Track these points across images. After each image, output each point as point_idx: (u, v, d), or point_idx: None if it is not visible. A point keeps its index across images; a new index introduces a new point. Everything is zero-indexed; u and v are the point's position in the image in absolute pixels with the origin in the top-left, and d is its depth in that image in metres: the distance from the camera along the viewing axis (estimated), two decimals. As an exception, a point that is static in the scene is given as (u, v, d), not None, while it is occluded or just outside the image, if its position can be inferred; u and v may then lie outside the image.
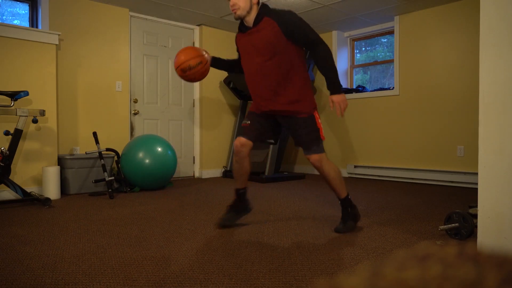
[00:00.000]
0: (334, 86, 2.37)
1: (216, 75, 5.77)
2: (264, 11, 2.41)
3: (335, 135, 5.93)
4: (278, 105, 2.46)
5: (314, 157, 2.47)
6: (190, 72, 2.46)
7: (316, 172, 6.12)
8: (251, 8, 2.41)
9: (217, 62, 2.68)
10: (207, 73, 2.56)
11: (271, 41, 2.35)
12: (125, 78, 4.89)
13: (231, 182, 5.12)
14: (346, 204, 2.56)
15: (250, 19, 2.43)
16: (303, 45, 2.41)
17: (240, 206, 2.69)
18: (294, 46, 2.39)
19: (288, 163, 6.56)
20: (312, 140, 2.46)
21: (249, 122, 2.55)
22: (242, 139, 2.50)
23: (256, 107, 2.57)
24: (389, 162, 5.31)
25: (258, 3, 2.43)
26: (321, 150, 2.48)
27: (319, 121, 2.49)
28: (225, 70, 2.79)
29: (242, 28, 2.51)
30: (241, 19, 2.47)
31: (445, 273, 0.27)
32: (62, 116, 4.37)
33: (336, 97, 2.36)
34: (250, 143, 2.51)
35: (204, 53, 2.54)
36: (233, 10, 2.42)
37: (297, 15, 2.41)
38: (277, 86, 2.42)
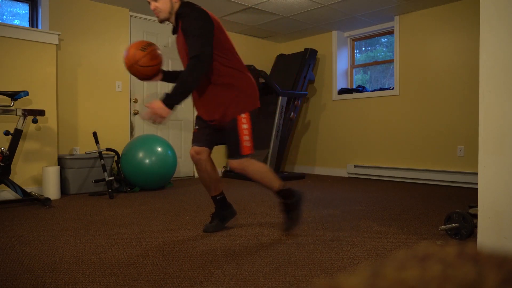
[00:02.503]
0: (169, 98, 2.11)
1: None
2: (179, 11, 2.27)
3: (335, 135, 5.93)
4: (204, 113, 2.36)
5: (233, 163, 2.33)
6: (146, 52, 2.28)
7: (317, 172, 6.12)
8: (172, 8, 2.27)
9: (167, 74, 2.52)
10: (157, 63, 2.35)
11: (184, 45, 2.24)
12: (125, 78, 4.89)
13: (231, 182, 5.12)
14: (283, 195, 2.41)
15: (173, 20, 2.32)
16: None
17: (222, 213, 2.58)
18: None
19: (288, 163, 6.56)
20: (233, 144, 2.31)
21: (197, 127, 2.45)
22: (195, 148, 2.40)
23: (201, 113, 2.44)
24: (389, 162, 5.31)
25: (180, 1, 2.30)
26: (240, 155, 2.30)
27: (244, 126, 2.30)
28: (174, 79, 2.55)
29: (173, 29, 2.38)
30: (169, 21, 2.34)
31: (445, 273, 0.27)
32: (62, 116, 4.37)
33: (157, 104, 2.08)
34: (205, 149, 2.40)
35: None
36: (155, 14, 2.30)
37: (196, 15, 2.19)
38: (200, 93, 2.33)
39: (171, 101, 2.10)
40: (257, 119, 4.69)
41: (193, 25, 2.16)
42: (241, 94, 2.32)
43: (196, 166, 2.45)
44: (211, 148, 2.43)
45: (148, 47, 2.32)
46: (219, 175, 2.55)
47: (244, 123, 2.30)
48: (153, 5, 2.28)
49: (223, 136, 2.37)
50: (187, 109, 5.61)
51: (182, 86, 2.13)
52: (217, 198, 2.55)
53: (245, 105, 2.32)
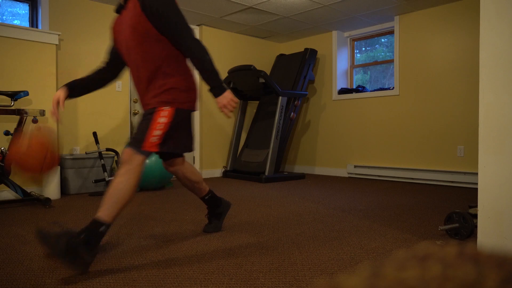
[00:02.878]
0: (214, 87, 1.99)
1: (216, 75, 5.77)
2: None
3: (335, 135, 5.93)
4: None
5: (127, 150, 1.93)
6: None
7: (317, 172, 6.12)
8: None
9: (75, 89, 2.15)
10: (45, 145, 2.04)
11: (134, 25, 1.92)
12: (125, 78, 4.89)
13: (231, 182, 5.12)
14: (95, 235, 1.75)
15: None
16: (169, 38, 1.95)
17: (216, 211, 2.51)
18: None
19: (288, 163, 6.56)
20: (137, 132, 1.98)
21: None
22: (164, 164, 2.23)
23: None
24: (389, 162, 5.31)
25: None
26: (137, 147, 1.91)
27: (161, 119, 1.94)
28: (88, 88, 2.20)
29: (118, 8, 2.09)
30: None
31: (445, 273, 0.27)
32: (62, 116, 4.37)
33: (220, 98, 1.99)
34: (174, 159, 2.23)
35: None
36: None
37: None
38: (148, 85, 2.02)
39: (220, 87, 1.99)
40: (257, 119, 4.71)
41: (170, 5, 1.92)
42: (177, 88, 2.00)
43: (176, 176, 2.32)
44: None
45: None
46: (200, 176, 2.37)
47: (163, 117, 1.94)
48: None
49: None
50: (187, 109, 5.61)
51: (213, 71, 1.97)
52: (206, 198, 2.44)
53: (175, 100, 1.98)
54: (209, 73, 1.97)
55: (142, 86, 2.04)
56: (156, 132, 1.93)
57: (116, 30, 2.08)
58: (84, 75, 4.57)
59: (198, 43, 1.96)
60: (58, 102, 2.07)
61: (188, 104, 2.04)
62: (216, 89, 1.99)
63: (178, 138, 2.04)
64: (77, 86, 2.14)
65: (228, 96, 2.00)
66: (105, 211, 1.79)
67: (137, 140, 1.92)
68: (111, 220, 1.80)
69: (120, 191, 1.81)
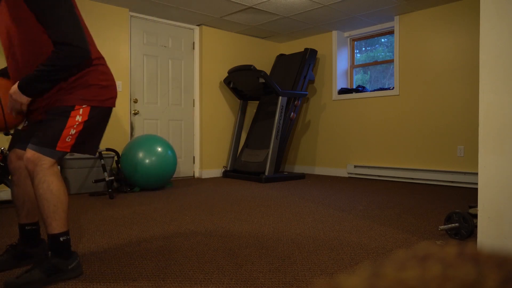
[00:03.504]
0: (25, 82, 1.63)
1: (216, 75, 5.78)
2: None
3: (335, 135, 5.93)
4: (39, 109, 1.76)
5: (29, 153, 1.67)
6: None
7: (317, 172, 6.12)
8: None
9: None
10: None
11: (9, 2, 1.63)
12: (125, 78, 4.89)
13: (231, 182, 5.12)
14: (55, 246, 1.68)
15: None
16: (46, 29, 1.62)
17: (23, 249, 1.92)
18: None
19: (288, 163, 6.56)
20: (45, 130, 1.69)
21: (26, 124, 1.92)
22: (17, 151, 1.90)
23: None
24: (389, 162, 5.31)
25: None
26: (46, 146, 1.67)
27: (78, 118, 1.71)
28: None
29: None
30: None
31: (445, 273, 0.27)
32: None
33: (14, 89, 1.65)
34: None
35: None
36: None
37: None
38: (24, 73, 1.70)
39: (27, 86, 1.64)
40: (257, 119, 4.75)
41: None
42: (92, 83, 1.76)
43: (13, 177, 1.88)
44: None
45: None
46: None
47: (79, 115, 1.72)
48: None
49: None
50: (187, 110, 5.61)
51: (43, 74, 1.63)
52: (26, 228, 1.90)
53: (92, 97, 1.75)
54: (40, 72, 1.62)
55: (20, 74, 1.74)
56: (71, 131, 1.73)
57: None
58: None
59: (68, 55, 1.63)
60: None
61: (104, 100, 1.82)
62: (23, 84, 1.64)
63: (90, 138, 1.85)
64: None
65: (17, 95, 1.66)
66: (53, 221, 1.67)
67: (44, 141, 1.70)
68: (64, 229, 1.70)
69: (59, 195, 1.69)
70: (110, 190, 3.87)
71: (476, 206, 2.29)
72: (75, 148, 1.75)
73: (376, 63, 5.80)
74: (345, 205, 3.48)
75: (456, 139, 4.71)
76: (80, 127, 1.73)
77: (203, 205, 3.49)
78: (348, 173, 5.71)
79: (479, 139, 1.89)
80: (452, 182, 4.67)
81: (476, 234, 2.03)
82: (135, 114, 5.11)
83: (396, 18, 5.22)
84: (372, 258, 2.03)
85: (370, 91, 5.60)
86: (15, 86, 1.65)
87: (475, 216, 2.27)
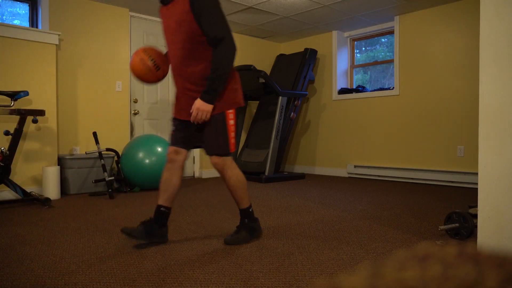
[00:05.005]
0: (209, 93, 2.06)
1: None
2: None
3: (335, 135, 5.93)
4: (184, 108, 2.21)
5: (215, 159, 2.20)
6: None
7: (317, 172, 6.12)
8: None
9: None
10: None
11: (180, 20, 2.05)
12: (125, 78, 4.89)
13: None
14: (245, 215, 2.33)
15: None
16: (207, 38, 2.05)
17: (153, 228, 2.29)
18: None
19: (288, 163, 6.56)
20: (216, 139, 2.17)
21: (174, 129, 2.31)
22: (174, 147, 2.28)
23: (177, 112, 2.28)
24: (389, 162, 5.31)
25: None
26: (224, 152, 2.19)
27: (231, 122, 2.18)
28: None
29: None
30: None
31: (445, 273, 0.27)
32: (62, 116, 4.37)
33: (200, 103, 2.07)
34: (183, 150, 2.28)
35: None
36: None
37: (215, 1, 2.06)
38: (192, 85, 2.14)
39: (210, 97, 2.06)
40: (257, 119, 4.77)
41: (215, 6, 2.04)
42: (231, 89, 2.18)
43: (167, 165, 2.29)
44: (188, 150, 2.30)
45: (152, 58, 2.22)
46: (179, 187, 2.34)
47: (231, 119, 2.18)
48: None
49: (202, 134, 2.21)
50: (187, 109, 5.61)
51: (219, 79, 2.05)
52: (161, 209, 2.27)
53: (233, 101, 2.19)
54: (215, 78, 2.05)
55: (184, 83, 2.17)
56: (232, 134, 2.21)
57: (165, 19, 2.17)
58: (83, 74, 4.57)
59: (229, 50, 2.05)
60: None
61: (239, 102, 2.23)
62: (208, 95, 2.07)
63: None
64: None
65: (205, 107, 2.08)
66: (243, 200, 2.29)
67: (221, 149, 2.20)
68: (249, 202, 2.33)
69: (242, 181, 2.27)
70: (110, 190, 3.87)
71: (476, 206, 2.29)
72: (234, 145, 2.24)
73: (376, 63, 5.80)
74: (345, 205, 3.48)
75: (456, 139, 4.71)
76: (234, 128, 2.22)
77: (203, 205, 3.49)
78: (348, 173, 5.71)
79: (479, 139, 1.89)
80: (452, 182, 4.67)
81: (476, 234, 2.03)
82: (135, 114, 5.11)
83: (396, 18, 5.22)
84: (372, 258, 2.03)
85: (370, 91, 5.60)
86: (198, 101, 2.07)
87: (475, 216, 2.26)
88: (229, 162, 2.22)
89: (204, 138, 2.21)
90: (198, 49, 2.07)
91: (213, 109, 2.11)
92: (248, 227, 2.32)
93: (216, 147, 2.18)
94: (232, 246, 2.22)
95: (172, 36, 2.13)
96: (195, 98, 2.13)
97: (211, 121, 2.14)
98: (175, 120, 2.28)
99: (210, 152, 2.21)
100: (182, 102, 2.21)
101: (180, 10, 2.04)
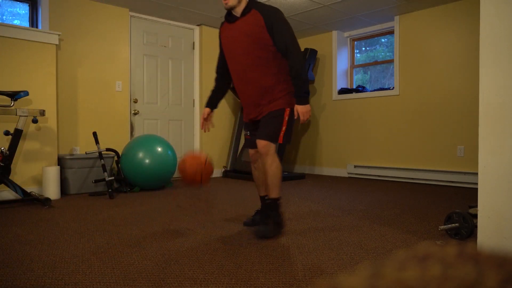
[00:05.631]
0: (301, 97, 2.38)
1: (216, 75, 5.77)
2: (252, 2, 2.44)
3: (335, 135, 5.93)
4: (253, 109, 2.54)
5: (263, 142, 2.43)
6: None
7: (317, 172, 6.12)
8: None
9: (213, 101, 2.79)
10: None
11: (255, 34, 2.37)
12: (125, 78, 4.89)
13: (231, 182, 5.12)
14: (273, 206, 2.48)
15: (239, 10, 2.45)
16: (279, 48, 2.40)
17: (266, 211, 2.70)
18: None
19: (288, 163, 6.56)
20: (270, 127, 2.44)
21: (248, 133, 2.68)
22: (252, 149, 2.64)
23: (248, 118, 2.63)
24: (389, 162, 5.31)
25: None
26: (272, 139, 2.43)
27: (286, 118, 2.45)
28: (223, 93, 2.85)
29: (229, 17, 2.50)
30: (231, 9, 2.47)
31: (445, 273, 0.27)
32: (62, 116, 4.37)
33: (301, 108, 2.38)
34: None
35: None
36: (224, 1, 2.44)
37: (283, 15, 2.42)
38: (264, 89, 2.45)
39: (305, 98, 2.38)
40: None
41: (286, 21, 2.37)
42: (290, 92, 2.49)
43: (253, 165, 2.68)
44: None
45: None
46: None
47: (287, 116, 2.46)
48: None
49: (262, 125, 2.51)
50: (187, 110, 5.61)
51: (303, 81, 2.36)
52: (265, 198, 2.62)
53: (291, 102, 2.47)
54: (300, 83, 2.37)
55: (251, 88, 2.49)
56: (284, 128, 2.45)
57: (233, 33, 2.47)
58: (83, 74, 4.57)
59: (300, 57, 2.39)
60: (205, 119, 2.76)
61: (293, 105, 2.49)
62: (302, 99, 2.39)
63: (290, 132, 2.53)
64: (212, 102, 2.79)
65: (305, 108, 2.40)
66: (275, 190, 2.45)
67: (270, 136, 2.43)
68: (278, 195, 2.47)
69: (279, 171, 2.45)
70: (110, 190, 3.87)
71: (476, 206, 2.29)
72: (283, 139, 2.47)
73: (376, 63, 5.80)
74: (345, 205, 3.48)
75: (456, 139, 4.71)
76: (286, 125, 2.46)
77: (203, 205, 3.49)
78: (348, 173, 5.71)
79: (479, 139, 1.89)
80: (452, 182, 4.67)
81: (476, 234, 2.03)
82: (135, 114, 5.11)
83: (396, 18, 5.22)
84: (372, 258, 2.03)
85: (370, 91, 5.60)
86: (298, 107, 2.38)
87: (475, 216, 2.26)
88: (273, 150, 2.46)
89: (261, 126, 2.49)
90: (267, 57, 2.40)
91: (277, 105, 2.44)
92: (274, 220, 2.48)
93: (267, 132, 2.43)
94: (232, 246, 2.22)
95: (240, 47, 2.44)
96: (259, 104, 2.48)
97: (274, 113, 2.45)
98: (250, 125, 2.65)
99: (260, 136, 2.44)
100: (251, 107, 2.55)
101: (253, 25, 2.38)
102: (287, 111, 2.45)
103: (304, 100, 2.39)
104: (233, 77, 2.60)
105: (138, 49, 5.13)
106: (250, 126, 2.65)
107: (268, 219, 2.47)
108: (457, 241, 2.34)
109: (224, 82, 2.79)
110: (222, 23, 2.61)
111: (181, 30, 5.53)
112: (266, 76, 2.43)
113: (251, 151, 2.66)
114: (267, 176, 2.45)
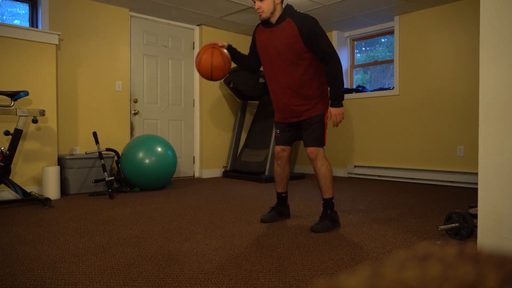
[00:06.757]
0: (337, 100, 2.52)
1: (216, 75, 5.76)
2: (288, 11, 2.54)
3: (335, 135, 5.93)
4: (288, 113, 2.68)
5: (311, 149, 2.61)
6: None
7: (316, 172, 6.11)
8: (275, 9, 2.54)
9: (236, 50, 2.83)
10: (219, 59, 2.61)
11: (290, 43, 2.48)
12: (125, 78, 4.89)
13: (231, 182, 5.12)
14: (328, 205, 2.65)
15: (274, 19, 2.57)
16: (317, 55, 2.51)
17: (281, 208, 2.90)
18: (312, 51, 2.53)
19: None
20: (314, 133, 2.60)
21: (278, 131, 2.79)
22: (281, 146, 2.77)
23: (280, 118, 2.76)
24: (389, 162, 5.31)
25: (281, 2, 2.56)
26: (319, 144, 2.61)
27: (327, 121, 2.64)
28: (236, 61, 2.86)
29: (265, 23, 2.63)
30: (268, 20, 2.59)
31: (445, 273, 0.27)
32: (62, 116, 4.37)
33: (335, 110, 2.52)
34: (288, 147, 2.78)
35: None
36: (258, 13, 2.56)
37: (318, 23, 2.51)
38: (298, 93, 2.57)
39: (340, 101, 2.52)
40: (257, 119, 4.68)
41: (317, 28, 2.48)
42: (326, 95, 2.66)
43: (277, 161, 2.80)
44: (291, 146, 2.81)
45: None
46: (289, 176, 2.88)
47: (326, 119, 2.63)
48: (257, 4, 2.55)
49: (301, 130, 2.69)
50: (187, 110, 5.61)
51: (340, 84, 2.50)
52: (282, 195, 2.88)
53: (327, 105, 2.63)
54: (337, 87, 2.49)
55: (284, 91, 2.61)
56: (326, 131, 2.65)
57: (269, 42, 2.59)
58: (83, 74, 4.57)
59: (338, 61, 2.51)
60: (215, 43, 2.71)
61: (327, 108, 2.63)
62: (337, 102, 2.52)
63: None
64: (235, 50, 2.80)
65: (340, 110, 2.54)
66: (328, 190, 2.62)
67: (318, 142, 2.61)
68: (331, 194, 2.64)
69: (329, 172, 2.62)
70: (110, 190, 3.87)
71: (476, 206, 2.29)
72: (326, 140, 2.67)
73: (376, 63, 5.80)
74: (345, 205, 3.48)
75: (456, 139, 4.71)
76: (326, 128, 2.65)
77: (203, 205, 3.49)
78: (348, 173, 5.71)
79: (479, 139, 1.89)
80: (452, 182, 4.67)
81: (476, 234, 2.03)
82: (135, 114, 5.11)
83: (396, 18, 5.22)
84: (372, 258, 2.03)
85: (370, 91, 5.60)
86: (333, 109, 2.52)
87: (475, 216, 2.26)
88: (322, 154, 2.62)
89: (305, 133, 2.64)
90: (302, 64, 2.51)
91: (316, 111, 2.59)
92: (330, 217, 2.62)
93: (314, 139, 2.60)
94: (232, 246, 2.23)
95: (276, 53, 2.55)
96: (294, 106, 2.60)
97: (315, 119, 2.60)
98: (280, 124, 2.76)
99: (308, 143, 2.62)
100: (284, 109, 2.67)
101: (287, 34, 2.49)
102: (326, 114, 2.61)
103: (339, 103, 2.52)
104: (266, 78, 2.71)
105: (138, 49, 5.13)
106: (280, 125, 2.77)
107: (324, 216, 2.61)
108: (457, 241, 2.34)
109: (250, 62, 2.86)
110: (258, 25, 2.74)
111: (181, 30, 5.53)
112: (300, 82, 2.54)
113: (277, 148, 2.79)
114: (318, 178, 2.62)
